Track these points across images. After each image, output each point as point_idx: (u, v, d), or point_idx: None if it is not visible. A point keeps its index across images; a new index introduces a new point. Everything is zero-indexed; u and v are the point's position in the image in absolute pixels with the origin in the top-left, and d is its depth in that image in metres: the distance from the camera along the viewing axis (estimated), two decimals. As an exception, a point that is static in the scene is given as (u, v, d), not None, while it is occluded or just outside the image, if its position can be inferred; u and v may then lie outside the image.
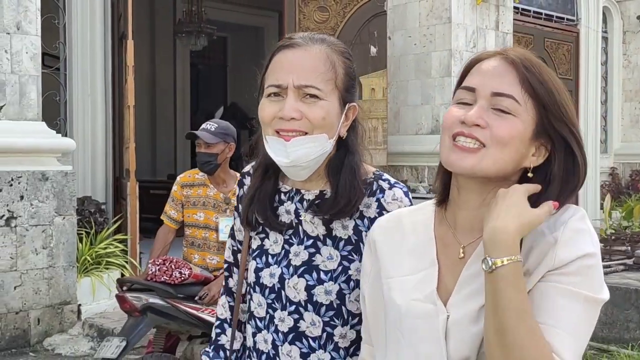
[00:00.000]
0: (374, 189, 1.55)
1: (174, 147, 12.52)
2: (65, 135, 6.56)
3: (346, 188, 1.51)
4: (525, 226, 1.15)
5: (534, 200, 1.21)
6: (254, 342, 1.58)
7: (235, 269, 1.67)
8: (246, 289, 1.64)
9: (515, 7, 9.21)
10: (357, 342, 1.51)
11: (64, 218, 5.51)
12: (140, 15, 10.86)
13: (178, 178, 4.30)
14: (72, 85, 7.00)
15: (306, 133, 1.48)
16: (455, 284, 1.23)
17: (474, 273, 1.22)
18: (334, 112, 1.51)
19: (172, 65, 12.71)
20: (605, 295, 1.21)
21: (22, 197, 5.32)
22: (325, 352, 1.52)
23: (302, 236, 1.56)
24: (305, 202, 1.56)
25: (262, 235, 1.59)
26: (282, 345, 1.54)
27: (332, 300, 1.50)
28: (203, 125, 4.20)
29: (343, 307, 1.51)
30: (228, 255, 1.70)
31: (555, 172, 1.23)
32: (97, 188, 7.25)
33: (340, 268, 1.52)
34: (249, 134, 14.27)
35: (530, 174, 1.24)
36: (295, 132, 1.48)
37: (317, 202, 1.55)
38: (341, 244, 1.53)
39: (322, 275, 1.52)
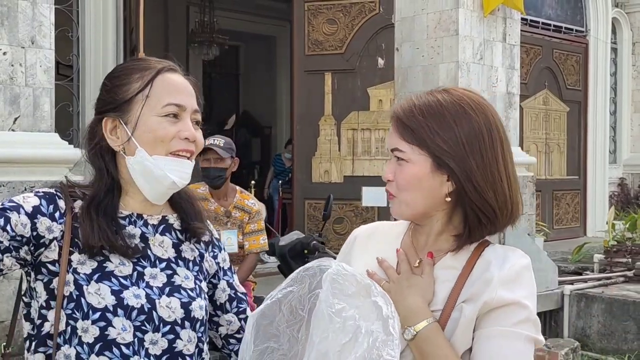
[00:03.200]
0: None
1: (186, 155, 12.69)
2: (78, 146, 6.71)
3: (196, 215, 1.61)
4: (429, 296, 1.40)
5: (468, 224, 1.42)
6: None
7: None
8: (66, 327, 1.44)
9: (523, 19, 9.29)
10: None
11: (75, 227, 5.66)
12: (154, 26, 11.04)
13: None
14: (85, 96, 7.17)
15: (189, 158, 1.53)
16: None
17: None
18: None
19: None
20: (542, 339, 1.36)
21: (34, 207, 5.47)
22: None
23: (153, 259, 1.52)
24: (150, 227, 1.54)
25: (100, 258, 1.46)
26: None
27: (203, 315, 1.54)
28: (211, 141, 4.26)
29: (207, 323, 1.58)
30: None
31: (465, 195, 1.40)
32: (108, 196, 7.41)
33: (197, 287, 1.55)
34: (260, 142, 14.43)
35: (447, 199, 1.42)
36: (191, 153, 1.52)
37: (164, 225, 1.56)
38: (190, 264, 1.57)
39: (191, 293, 1.52)
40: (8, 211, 1.43)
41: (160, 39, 12.00)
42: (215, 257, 1.66)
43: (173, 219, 1.60)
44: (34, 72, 5.58)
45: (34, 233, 1.44)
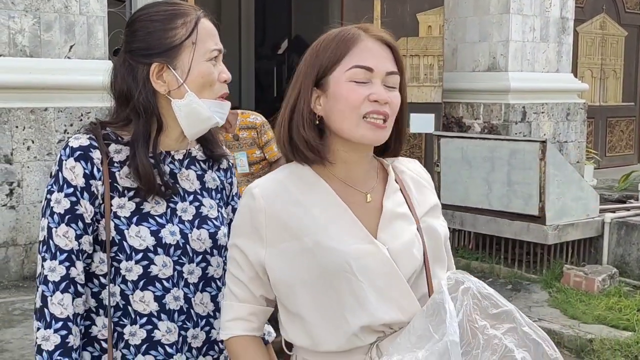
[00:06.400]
0: None
1: (239, 80, 12.83)
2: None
3: (215, 143, 1.72)
4: None
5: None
6: (162, 305, 1.57)
7: (80, 256, 1.54)
8: (110, 268, 1.56)
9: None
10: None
11: (129, 151, 5.92)
12: (206, -50, 11.01)
13: None
14: (138, 23, 7.32)
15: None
16: (371, 224, 1.48)
17: (393, 210, 1.51)
18: None
19: (237, -1, 12.92)
20: None
21: (91, 131, 5.73)
22: (225, 287, 1.62)
23: (182, 193, 1.63)
24: (177, 162, 1.65)
25: (137, 200, 1.57)
26: (194, 296, 1.61)
27: (226, 241, 1.65)
28: None
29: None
30: (65, 243, 1.52)
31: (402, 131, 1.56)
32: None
33: (220, 215, 1.68)
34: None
35: None
36: (226, 95, 1.65)
37: (188, 159, 1.67)
38: (213, 193, 1.70)
39: (215, 222, 1.66)
40: (77, 206, 1.53)
41: (212, -37, 11.99)
42: (230, 183, 1.77)
43: (195, 150, 1.71)
44: (87, 1, 5.76)
45: (95, 203, 1.55)
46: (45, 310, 1.49)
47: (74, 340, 1.50)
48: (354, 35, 1.48)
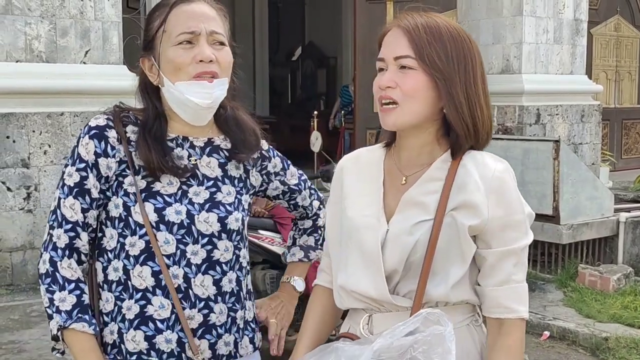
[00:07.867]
0: None
1: (253, 87, 12.91)
2: (146, 77, 6.97)
3: (244, 138, 1.74)
4: None
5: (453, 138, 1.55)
6: (159, 281, 1.61)
7: (85, 228, 1.62)
8: (116, 244, 1.64)
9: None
10: (248, 264, 1.78)
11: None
12: (219, -42, 11.10)
13: None
14: (152, 29, 7.39)
15: (213, 77, 1.64)
16: (395, 204, 1.56)
17: (414, 197, 1.54)
18: (232, 59, 1.70)
19: (250, 5, 13.00)
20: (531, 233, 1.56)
21: (106, 135, 5.77)
22: (233, 272, 1.70)
23: (201, 178, 1.68)
24: (197, 149, 1.70)
25: (150, 179, 1.63)
26: (194, 277, 1.63)
27: (239, 226, 1.70)
28: None
29: (244, 232, 1.74)
30: (70, 214, 1.61)
31: (452, 121, 1.53)
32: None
33: (236, 201, 1.71)
34: (326, 72, 14.51)
35: (444, 110, 1.54)
36: (212, 74, 1.62)
37: (210, 147, 1.71)
38: (236, 181, 1.73)
39: (228, 207, 1.69)
40: (85, 181, 1.61)
41: (226, -30, 12.08)
42: (262, 169, 1.82)
43: (219, 140, 1.74)
44: (102, 7, 5.83)
45: (102, 180, 1.62)
46: (57, 274, 1.59)
47: (87, 299, 1.60)
48: (384, 30, 1.59)
